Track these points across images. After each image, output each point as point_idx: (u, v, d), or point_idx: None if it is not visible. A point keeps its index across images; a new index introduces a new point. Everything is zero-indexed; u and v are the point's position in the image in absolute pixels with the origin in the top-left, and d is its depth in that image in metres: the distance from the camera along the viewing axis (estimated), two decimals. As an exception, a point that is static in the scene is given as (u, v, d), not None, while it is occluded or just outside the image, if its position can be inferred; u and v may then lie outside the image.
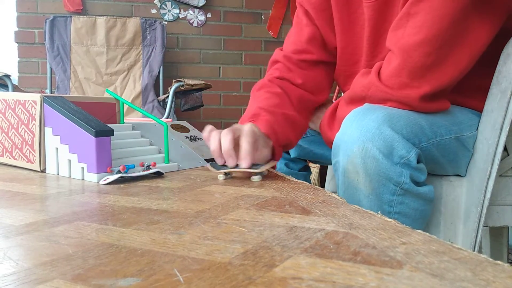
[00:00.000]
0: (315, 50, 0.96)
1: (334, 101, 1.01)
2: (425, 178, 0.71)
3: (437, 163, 0.78)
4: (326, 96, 1.01)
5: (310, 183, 0.68)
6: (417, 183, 0.70)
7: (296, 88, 0.96)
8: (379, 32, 0.83)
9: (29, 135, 0.74)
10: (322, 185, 2.08)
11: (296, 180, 0.66)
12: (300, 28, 0.97)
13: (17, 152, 0.77)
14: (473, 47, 0.70)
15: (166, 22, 2.59)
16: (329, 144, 0.83)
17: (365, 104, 0.74)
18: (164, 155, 0.77)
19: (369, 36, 0.84)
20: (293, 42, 0.98)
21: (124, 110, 0.84)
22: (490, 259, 0.30)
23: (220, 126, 2.75)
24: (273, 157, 0.81)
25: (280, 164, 1.09)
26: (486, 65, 0.80)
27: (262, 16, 2.84)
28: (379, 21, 0.82)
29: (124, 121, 0.85)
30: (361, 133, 0.67)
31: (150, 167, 0.69)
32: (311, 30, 0.95)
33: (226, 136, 0.69)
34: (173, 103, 2.24)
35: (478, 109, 0.82)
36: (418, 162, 0.69)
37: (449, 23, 0.67)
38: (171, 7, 2.67)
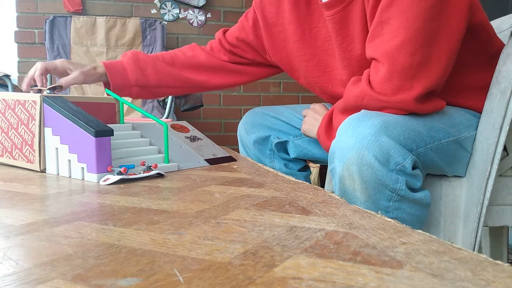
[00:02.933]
0: (248, 51, 1.08)
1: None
2: (421, 184, 0.72)
3: (435, 167, 0.78)
4: (258, 77, 1.13)
5: (310, 183, 0.68)
6: (413, 189, 0.71)
7: (218, 59, 1.10)
8: (346, 42, 0.84)
9: (29, 135, 0.74)
10: (322, 185, 2.08)
11: (296, 180, 0.66)
12: (242, 26, 1.08)
13: (17, 152, 0.77)
14: (449, 41, 0.71)
15: (166, 22, 2.59)
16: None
17: (362, 110, 0.74)
18: (164, 155, 0.77)
19: (338, 47, 0.86)
20: (231, 34, 1.10)
21: (124, 110, 0.84)
22: (490, 259, 0.30)
23: (220, 126, 2.75)
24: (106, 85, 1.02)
25: (279, 164, 1.09)
26: (474, 65, 0.81)
27: (262, 16, 2.83)
28: (342, 31, 0.84)
29: (124, 121, 0.85)
30: (357, 140, 0.67)
31: (151, 168, 0.69)
32: (250, 37, 1.06)
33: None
34: (173, 103, 2.24)
35: (475, 109, 0.83)
36: (414, 168, 0.70)
37: (424, 20, 0.68)
38: (171, 7, 2.67)
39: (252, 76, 1.14)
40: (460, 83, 0.82)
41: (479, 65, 0.82)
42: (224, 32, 1.12)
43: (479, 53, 0.81)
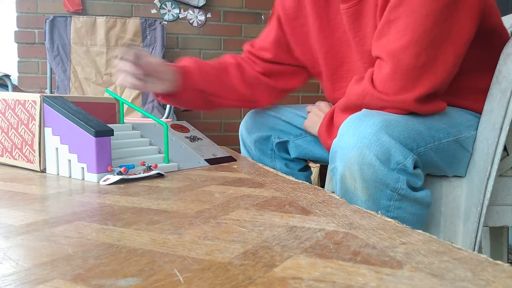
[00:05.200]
0: (279, 52, 1.04)
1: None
2: (422, 183, 0.72)
3: (436, 167, 0.78)
4: (291, 86, 1.08)
5: (310, 183, 0.68)
6: (414, 188, 0.70)
7: (254, 71, 1.05)
8: (358, 36, 0.85)
9: (29, 135, 0.74)
10: (322, 185, 2.08)
11: (296, 180, 0.66)
12: (270, 29, 1.05)
13: (17, 152, 0.77)
14: (457, 45, 0.71)
15: (166, 22, 2.59)
16: (329, 150, 0.84)
17: (363, 109, 0.74)
18: (164, 155, 0.77)
19: (352, 40, 0.87)
20: (261, 39, 1.07)
21: (124, 110, 0.83)
22: (490, 259, 0.30)
23: (220, 126, 2.75)
24: (178, 90, 0.93)
25: (280, 164, 1.09)
26: (481, 68, 0.81)
27: (262, 16, 2.84)
28: (355, 25, 0.84)
29: (124, 121, 0.85)
30: (358, 140, 0.67)
31: (151, 168, 0.69)
32: (278, 34, 1.03)
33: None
34: (173, 103, 2.23)
35: (475, 110, 0.83)
36: (415, 167, 0.70)
37: (432, 23, 0.68)
38: (171, 7, 2.67)
39: (287, 84, 1.08)
40: (466, 85, 0.81)
41: (489, 67, 0.81)
42: (251, 43, 1.09)
43: (489, 56, 0.80)
